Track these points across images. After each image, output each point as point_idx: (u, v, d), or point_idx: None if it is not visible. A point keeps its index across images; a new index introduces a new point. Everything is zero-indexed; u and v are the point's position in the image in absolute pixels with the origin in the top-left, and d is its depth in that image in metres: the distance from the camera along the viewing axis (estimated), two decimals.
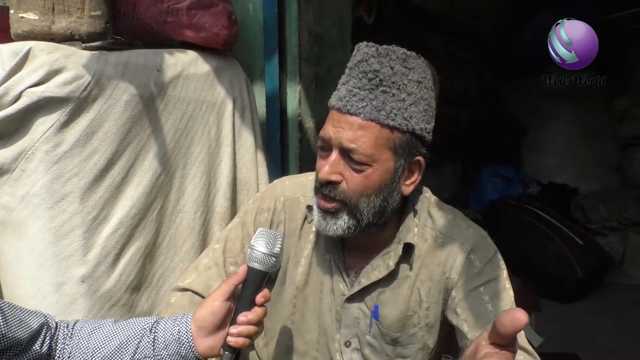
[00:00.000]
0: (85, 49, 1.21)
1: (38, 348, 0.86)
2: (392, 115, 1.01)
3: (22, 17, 1.17)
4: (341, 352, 1.18)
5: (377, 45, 1.05)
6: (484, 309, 1.08)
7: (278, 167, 1.84)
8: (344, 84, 1.06)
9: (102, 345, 0.92)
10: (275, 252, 0.98)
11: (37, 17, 1.17)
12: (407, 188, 1.10)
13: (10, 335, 0.80)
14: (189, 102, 1.42)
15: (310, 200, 1.14)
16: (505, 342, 0.70)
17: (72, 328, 0.94)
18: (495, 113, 5.28)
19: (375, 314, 1.15)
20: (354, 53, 1.07)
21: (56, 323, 0.93)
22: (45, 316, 0.91)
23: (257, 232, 1.00)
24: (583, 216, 4.36)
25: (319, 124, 1.99)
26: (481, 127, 4.96)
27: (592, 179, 4.75)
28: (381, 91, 1.01)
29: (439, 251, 1.14)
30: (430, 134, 1.09)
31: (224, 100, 1.53)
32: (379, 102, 1.00)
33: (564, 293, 3.43)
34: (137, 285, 1.31)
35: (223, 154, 1.53)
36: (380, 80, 1.01)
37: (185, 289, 1.23)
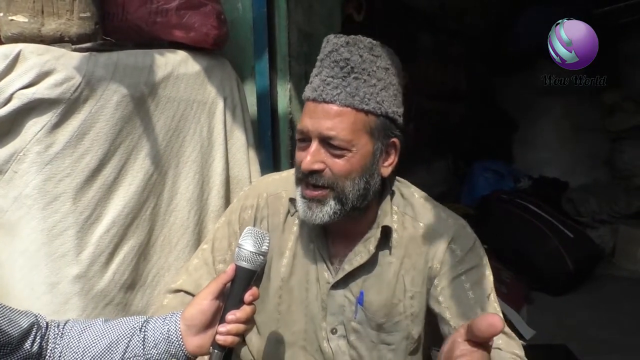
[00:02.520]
0: (75, 50, 1.22)
1: (29, 347, 0.87)
2: (366, 100, 1.06)
3: (12, 19, 1.18)
4: (328, 340, 1.21)
5: (345, 36, 1.10)
6: (465, 296, 1.13)
7: (270, 164, 1.85)
8: (316, 76, 1.10)
9: (93, 345, 0.93)
10: (262, 250, 0.99)
11: (26, 20, 1.18)
12: (386, 170, 1.15)
13: (1, 335, 0.81)
14: (180, 101, 1.43)
15: (293, 194, 1.18)
16: (481, 341, 0.73)
17: (63, 327, 0.95)
18: (486, 108, 5.32)
19: (360, 300, 1.18)
20: (323, 45, 1.12)
21: (46, 323, 0.94)
22: (36, 316, 0.92)
23: (244, 231, 1.01)
24: (574, 209, 4.40)
25: None
26: (472, 122, 5.00)
27: (582, 173, 4.79)
28: (353, 78, 1.06)
29: (421, 241, 1.18)
30: (402, 118, 1.15)
31: (215, 99, 1.54)
32: (352, 88, 1.05)
33: (555, 286, 3.46)
34: (132, 284, 1.32)
35: (215, 153, 1.54)
36: (352, 67, 1.06)
37: (177, 290, 1.25)
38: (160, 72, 1.37)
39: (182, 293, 1.25)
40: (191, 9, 1.44)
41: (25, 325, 0.86)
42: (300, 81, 1.93)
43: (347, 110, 1.05)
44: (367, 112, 1.07)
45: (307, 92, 1.11)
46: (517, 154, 5.23)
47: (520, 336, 2.66)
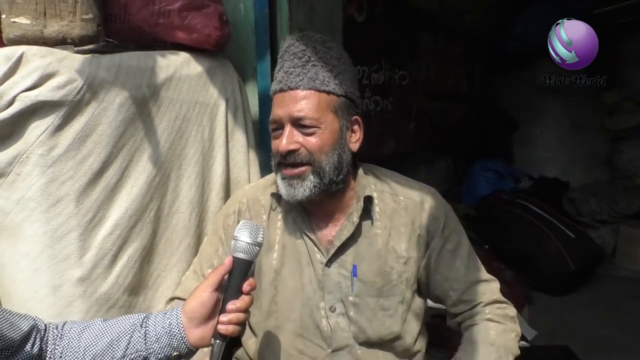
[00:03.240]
0: (78, 52, 1.21)
1: (29, 349, 0.88)
2: (326, 82, 1.19)
3: (14, 21, 1.18)
4: (327, 318, 1.25)
5: (298, 33, 1.28)
6: (452, 260, 1.29)
7: (270, 166, 1.84)
8: (279, 71, 1.24)
9: (93, 344, 0.94)
10: (258, 241, 1.02)
11: (29, 22, 1.18)
12: (355, 145, 1.27)
13: (2, 338, 0.82)
14: (182, 103, 1.43)
15: (271, 190, 1.31)
16: None
17: (62, 329, 0.96)
18: (486, 108, 5.31)
19: (354, 273, 1.26)
20: (281, 44, 1.27)
21: (45, 325, 0.94)
22: (34, 319, 0.92)
23: (239, 224, 1.04)
24: (574, 209, 4.40)
25: None
26: (472, 122, 5.00)
27: (582, 173, 4.79)
28: (311, 65, 1.20)
29: (404, 212, 1.30)
30: (359, 99, 1.29)
31: (217, 100, 1.54)
32: (312, 74, 1.19)
33: (557, 286, 3.47)
34: (135, 287, 1.32)
35: (216, 154, 1.54)
36: (309, 57, 1.20)
37: (173, 299, 1.36)
38: (162, 74, 1.37)
39: (177, 300, 1.33)
40: (193, 10, 1.44)
41: (26, 329, 0.87)
42: None
43: (311, 93, 1.19)
44: (328, 93, 1.20)
45: (274, 86, 1.25)
46: (517, 153, 5.23)
47: (522, 338, 2.67)
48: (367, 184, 1.30)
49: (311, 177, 1.19)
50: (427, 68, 4.19)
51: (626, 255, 4.01)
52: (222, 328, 0.97)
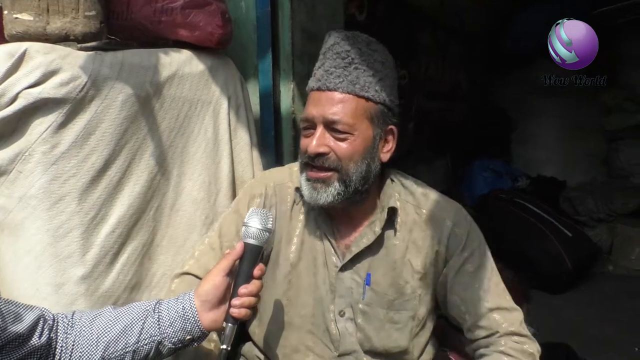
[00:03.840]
0: (81, 49, 1.21)
1: (37, 340, 0.88)
2: (366, 87, 1.15)
3: (17, 17, 1.17)
4: (335, 322, 1.24)
5: (345, 31, 1.21)
6: (471, 281, 1.22)
7: (273, 164, 1.84)
8: (319, 67, 1.19)
9: (107, 330, 0.95)
10: (268, 227, 1.05)
11: (31, 18, 1.17)
12: (385, 155, 1.23)
13: (8, 330, 0.82)
14: (184, 101, 1.42)
15: (297, 184, 1.25)
16: None
17: (72, 318, 0.96)
18: (484, 107, 5.33)
19: (367, 281, 1.23)
20: (325, 40, 1.22)
21: (53, 315, 0.95)
22: (41, 309, 0.93)
23: (249, 211, 1.07)
24: (572, 208, 4.41)
25: None
26: (471, 121, 5.01)
27: (580, 172, 4.81)
28: (354, 68, 1.15)
29: (425, 226, 1.25)
30: (398, 108, 1.24)
31: (219, 99, 1.53)
32: (353, 77, 1.15)
33: (554, 284, 3.48)
34: (137, 284, 1.31)
35: (222, 153, 1.54)
36: (352, 58, 1.16)
37: (184, 274, 1.29)
38: (165, 72, 1.36)
39: (189, 276, 1.28)
40: (196, 8, 1.43)
41: (32, 319, 0.88)
42: (303, 81, 1.92)
43: (349, 97, 1.15)
44: (367, 99, 1.16)
45: (311, 83, 1.21)
46: (515, 153, 5.26)
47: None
48: (393, 193, 1.26)
49: (336, 184, 1.16)
50: (427, 67, 4.20)
51: (623, 253, 4.03)
52: (234, 311, 1.00)
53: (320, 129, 1.16)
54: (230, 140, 1.56)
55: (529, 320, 2.86)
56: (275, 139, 1.86)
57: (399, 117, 1.26)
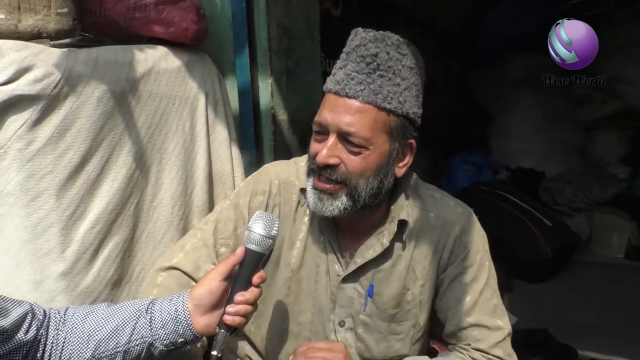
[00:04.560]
0: (54, 46, 1.20)
1: (22, 335, 0.87)
2: (389, 98, 1.04)
3: None
4: (335, 332, 1.21)
5: (374, 31, 1.08)
6: (462, 294, 1.18)
7: (253, 159, 1.86)
8: (340, 68, 1.07)
9: (98, 329, 0.93)
10: (272, 234, 1.01)
11: (3, 16, 1.16)
12: (400, 170, 1.13)
13: None
14: (161, 97, 1.43)
15: (304, 184, 1.16)
16: None
17: (64, 314, 0.95)
18: (461, 101, 5.39)
19: (370, 293, 1.18)
20: (350, 38, 1.10)
21: (44, 311, 0.93)
22: (31, 304, 0.91)
23: (255, 214, 1.02)
24: (551, 198, 4.49)
25: (292, 115, 2.01)
26: (449, 115, 5.06)
27: (557, 162, 4.89)
28: (378, 75, 1.04)
29: (432, 230, 1.19)
30: (420, 119, 1.13)
31: (197, 94, 1.54)
32: (376, 85, 1.03)
33: (535, 273, 3.53)
34: (117, 280, 1.31)
35: (198, 148, 1.55)
36: (378, 64, 1.04)
37: (172, 268, 1.22)
38: (140, 68, 1.37)
39: (178, 272, 1.22)
40: (170, 4, 1.44)
41: (18, 314, 0.86)
42: (281, 76, 1.94)
43: (369, 108, 1.04)
44: (388, 111, 1.05)
45: (330, 84, 1.09)
46: (494, 145, 5.32)
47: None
48: (404, 205, 1.18)
49: (344, 198, 1.07)
50: None
51: (601, 241, 4.11)
52: (228, 319, 0.97)
53: (332, 138, 1.05)
54: (208, 136, 1.57)
55: (510, 308, 2.92)
56: (255, 134, 1.87)
57: (419, 127, 1.15)
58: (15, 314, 0.86)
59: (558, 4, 4.07)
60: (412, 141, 1.13)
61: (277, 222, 1.02)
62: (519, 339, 2.37)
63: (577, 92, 4.82)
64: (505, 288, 3.22)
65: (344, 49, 1.10)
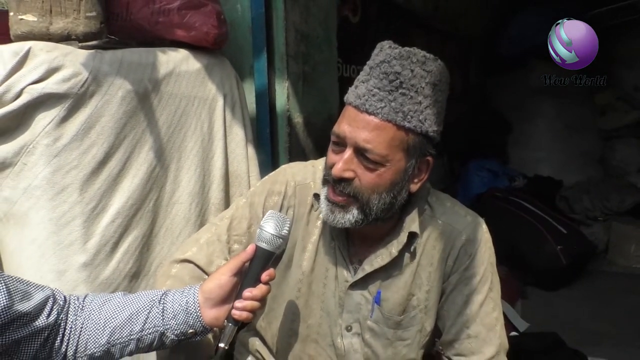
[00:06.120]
0: (82, 48, 1.27)
1: (44, 319, 0.91)
2: (409, 117, 1.03)
3: (22, 18, 1.23)
4: (342, 336, 1.22)
5: (400, 47, 1.08)
6: (462, 304, 1.19)
7: (269, 160, 1.90)
8: (363, 82, 1.07)
9: (114, 316, 0.98)
10: (283, 234, 1.03)
11: (35, 19, 1.23)
12: (415, 186, 1.13)
13: (14, 307, 0.84)
14: (181, 97, 1.48)
15: (319, 189, 1.17)
16: None
17: (83, 301, 1.00)
18: (480, 109, 5.37)
19: (377, 299, 1.19)
20: (375, 52, 1.09)
21: (65, 296, 0.98)
22: (52, 290, 0.96)
23: (267, 214, 1.05)
24: (567, 207, 4.45)
25: (308, 118, 2.06)
26: (467, 123, 5.05)
27: (575, 171, 4.84)
28: (400, 93, 1.03)
29: (439, 238, 1.19)
30: (439, 136, 1.12)
31: (215, 96, 1.59)
32: (397, 103, 1.03)
33: (549, 281, 3.51)
34: (136, 272, 1.37)
35: (215, 148, 1.60)
36: (401, 82, 1.03)
37: (186, 261, 1.24)
38: (162, 69, 1.43)
39: (191, 265, 1.23)
40: (192, 9, 1.50)
41: (40, 299, 0.90)
42: (297, 80, 1.99)
43: (388, 126, 1.03)
44: (407, 130, 1.04)
45: (351, 96, 1.08)
46: (511, 153, 5.29)
47: (514, 329, 2.72)
48: (416, 217, 1.18)
49: (355, 211, 1.08)
50: None
51: (618, 251, 4.06)
52: (236, 313, 1.00)
53: (349, 152, 1.05)
54: (225, 136, 1.62)
55: (522, 314, 2.91)
56: (270, 135, 1.92)
57: (437, 144, 1.14)
58: (37, 298, 0.90)
59: (584, 12, 4.05)
60: (430, 158, 1.12)
61: (289, 223, 1.04)
62: (528, 341, 2.38)
63: (598, 102, 4.78)
64: (519, 295, 3.21)
65: (368, 62, 1.09)
